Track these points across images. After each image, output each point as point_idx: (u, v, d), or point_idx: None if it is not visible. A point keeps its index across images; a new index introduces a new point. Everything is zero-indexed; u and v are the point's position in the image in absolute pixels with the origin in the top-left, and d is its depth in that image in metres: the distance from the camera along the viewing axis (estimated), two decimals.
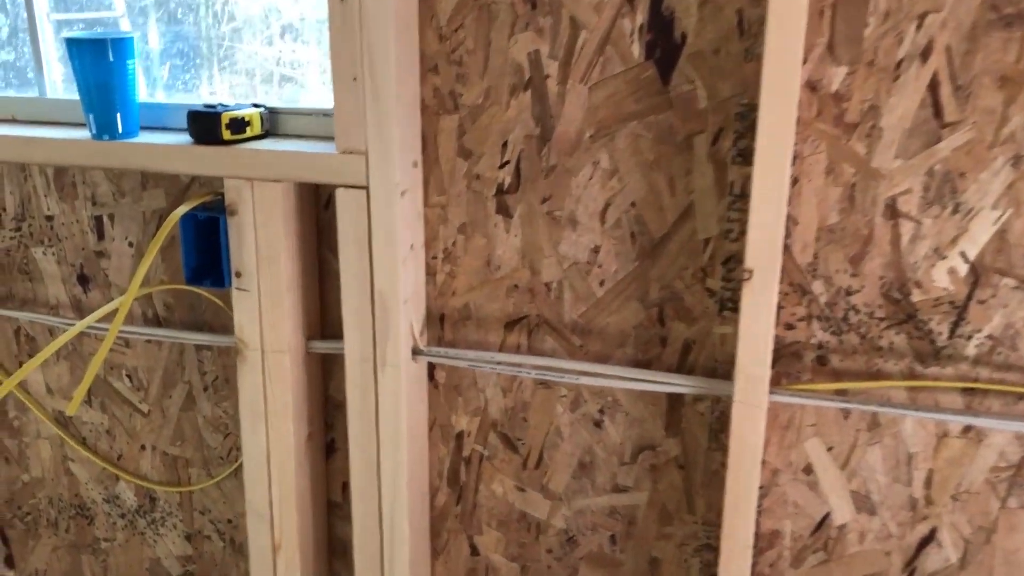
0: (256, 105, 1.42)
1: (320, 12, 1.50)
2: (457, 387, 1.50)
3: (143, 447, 1.72)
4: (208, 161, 1.37)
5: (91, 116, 1.41)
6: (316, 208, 1.47)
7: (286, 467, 1.51)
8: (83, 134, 1.46)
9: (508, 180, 1.37)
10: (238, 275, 1.42)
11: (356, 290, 1.38)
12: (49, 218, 1.62)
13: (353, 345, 1.41)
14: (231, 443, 1.67)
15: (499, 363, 1.43)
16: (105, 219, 1.59)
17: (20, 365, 1.74)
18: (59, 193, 1.60)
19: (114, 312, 1.47)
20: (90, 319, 1.43)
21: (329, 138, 1.42)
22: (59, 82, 1.68)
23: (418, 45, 1.33)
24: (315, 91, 1.53)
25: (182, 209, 1.40)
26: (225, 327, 1.58)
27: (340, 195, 1.34)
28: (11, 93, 1.61)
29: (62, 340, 1.41)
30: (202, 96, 1.56)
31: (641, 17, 1.25)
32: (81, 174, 1.58)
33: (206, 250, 1.46)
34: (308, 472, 1.55)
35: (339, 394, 1.57)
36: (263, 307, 1.43)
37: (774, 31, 1.11)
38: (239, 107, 1.39)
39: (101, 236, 1.60)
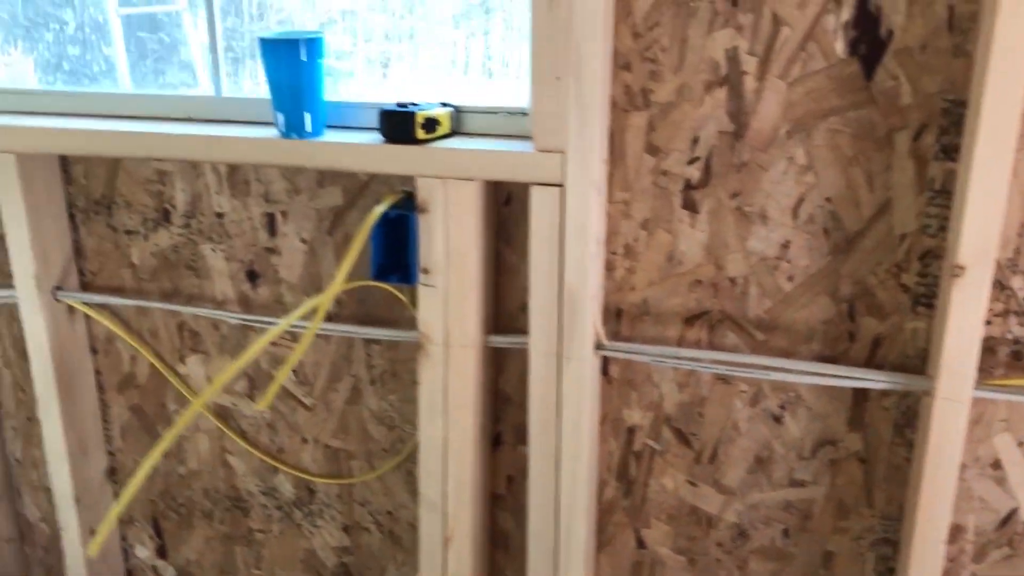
0: (445, 104, 1.43)
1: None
2: (631, 381, 1.51)
3: (305, 440, 1.75)
4: (402, 160, 1.39)
5: (280, 115, 1.43)
6: (497, 204, 1.49)
7: (463, 460, 1.53)
8: (267, 132, 1.49)
9: (697, 176, 1.38)
10: (425, 271, 1.44)
11: (544, 286, 1.40)
12: (220, 215, 1.65)
13: (538, 340, 1.43)
14: (395, 436, 1.69)
15: (681, 358, 1.44)
16: (278, 216, 1.62)
17: (181, 359, 1.78)
18: (231, 190, 1.63)
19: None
20: (291, 318, 1.45)
21: (513, 136, 1.44)
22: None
23: (612, 43, 1.34)
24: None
25: (382, 207, 1.42)
26: (395, 321, 1.61)
27: (535, 193, 1.36)
28: (183, 91, 1.65)
29: (263, 342, 1.43)
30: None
31: (846, 13, 1.25)
32: (255, 172, 1.60)
33: (391, 247, 1.48)
34: (481, 465, 1.57)
35: (508, 387, 1.59)
36: (449, 303, 1.45)
37: (1003, 27, 1.11)
38: (429, 106, 1.41)
39: (273, 233, 1.63)
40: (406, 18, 1.64)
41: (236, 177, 1.62)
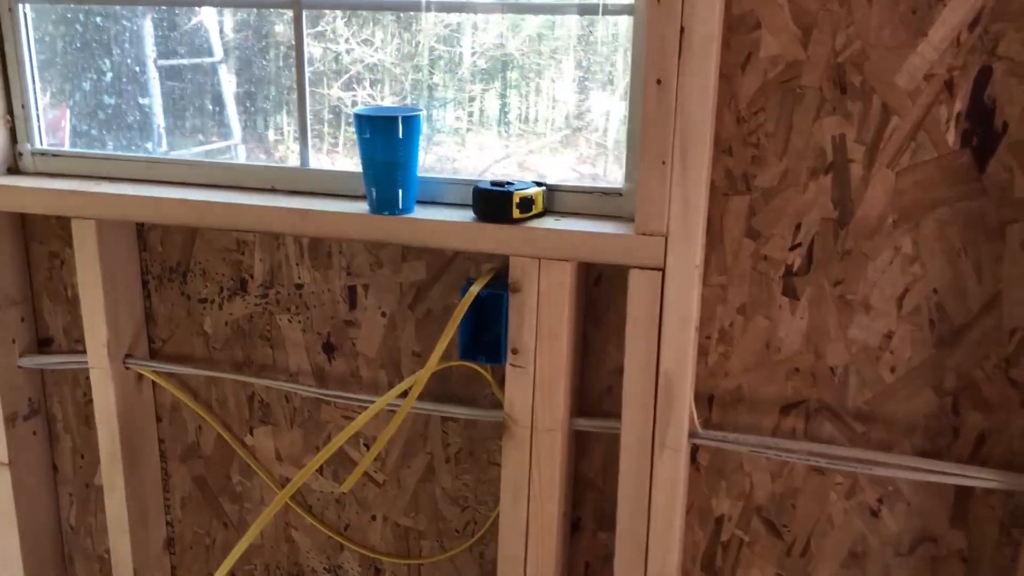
0: (538, 183, 1.42)
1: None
2: (721, 470, 1.47)
3: (373, 517, 1.71)
4: (498, 240, 1.37)
5: (373, 190, 1.42)
6: (587, 284, 1.46)
7: (545, 546, 1.48)
8: (355, 207, 1.47)
9: (798, 262, 1.35)
10: (514, 352, 1.41)
11: (640, 371, 1.37)
12: (299, 286, 1.63)
13: (631, 426, 1.39)
14: (468, 516, 1.64)
15: (779, 449, 1.39)
16: (359, 289, 1.59)
17: (250, 431, 1.74)
18: (312, 262, 1.61)
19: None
20: (388, 396, 1.43)
21: (605, 216, 1.42)
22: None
23: (714, 128, 1.32)
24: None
25: (477, 287, 1.39)
26: (473, 399, 1.57)
27: (634, 276, 1.33)
28: (261, 161, 1.64)
29: (358, 424, 1.40)
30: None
31: (959, 105, 1.23)
32: (338, 244, 1.59)
33: (478, 325, 1.45)
34: (562, 551, 1.52)
35: (590, 471, 1.55)
36: (537, 384, 1.42)
37: None
38: (524, 185, 1.39)
39: (353, 306, 1.61)
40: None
41: (318, 249, 1.60)
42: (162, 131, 1.77)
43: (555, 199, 1.45)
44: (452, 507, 1.65)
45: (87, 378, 1.82)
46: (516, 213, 1.37)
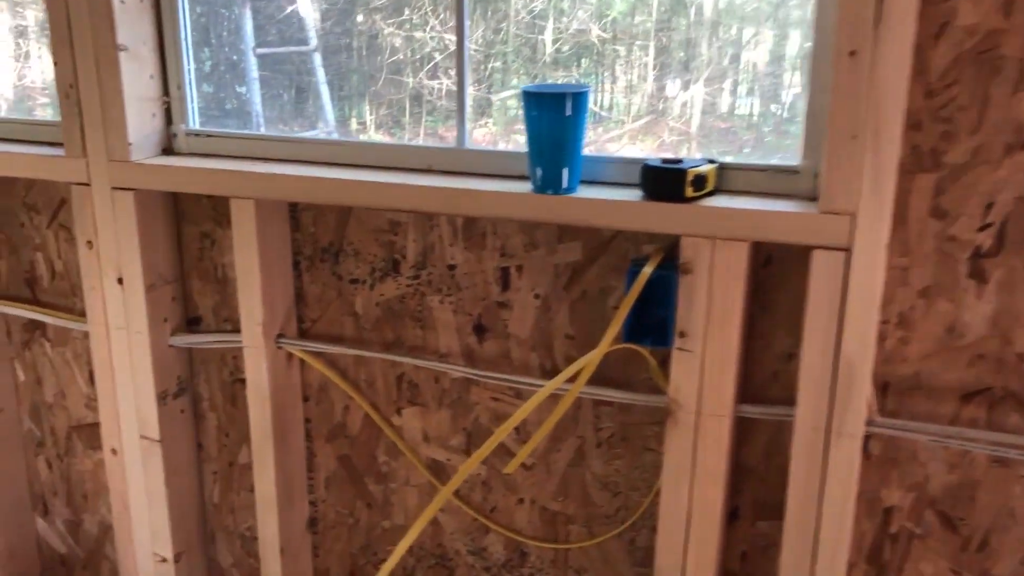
0: (711, 160, 1.38)
1: None
2: (893, 459, 1.41)
3: (521, 500, 1.69)
4: (670, 219, 1.33)
5: (539, 169, 1.40)
6: (757, 266, 1.42)
7: (706, 533, 1.45)
8: (517, 187, 1.45)
9: (988, 243, 1.28)
10: (682, 335, 1.38)
11: (818, 356, 1.32)
12: (451, 267, 1.62)
13: (806, 413, 1.35)
14: (619, 503, 1.62)
15: (961, 439, 1.33)
16: (512, 270, 1.58)
17: (398, 412, 1.74)
18: (466, 243, 1.60)
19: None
20: (558, 380, 1.41)
21: (777, 195, 1.37)
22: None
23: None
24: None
25: (650, 268, 1.36)
26: (628, 383, 1.54)
27: (817, 257, 1.28)
28: (423, 142, 1.63)
29: (531, 405, 1.39)
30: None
31: None
32: (492, 225, 1.57)
33: (643, 308, 1.42)
34: (721, 539, 1.48)
35: (752, 459, 1.51)
36: (705, 369, 1.38)
37: None
38: (695, 162, 1.35)
39: (505, 287, 1.59)
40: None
41: (472, 229, 1.59)
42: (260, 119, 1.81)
43: (725, 178, 1.41)
44: (602, 492, 1.63)
45: (234, 357, 1.85)
46: (689, 191, 1.33)
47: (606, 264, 1.51)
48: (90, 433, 2.05)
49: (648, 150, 1.58)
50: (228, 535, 2.00)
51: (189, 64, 1.72)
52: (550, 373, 1.60)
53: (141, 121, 1.68)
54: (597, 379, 1.56)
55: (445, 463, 1.74)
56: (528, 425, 1.64)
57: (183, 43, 1.70)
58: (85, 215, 1.74)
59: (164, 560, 1.91)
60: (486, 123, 1.71)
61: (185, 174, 1.63)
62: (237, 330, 1.80)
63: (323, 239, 1.71)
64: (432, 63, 1.71)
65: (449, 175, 1.55)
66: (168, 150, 1.75)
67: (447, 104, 1.72)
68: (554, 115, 1.36)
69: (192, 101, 1.74)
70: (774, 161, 1.40)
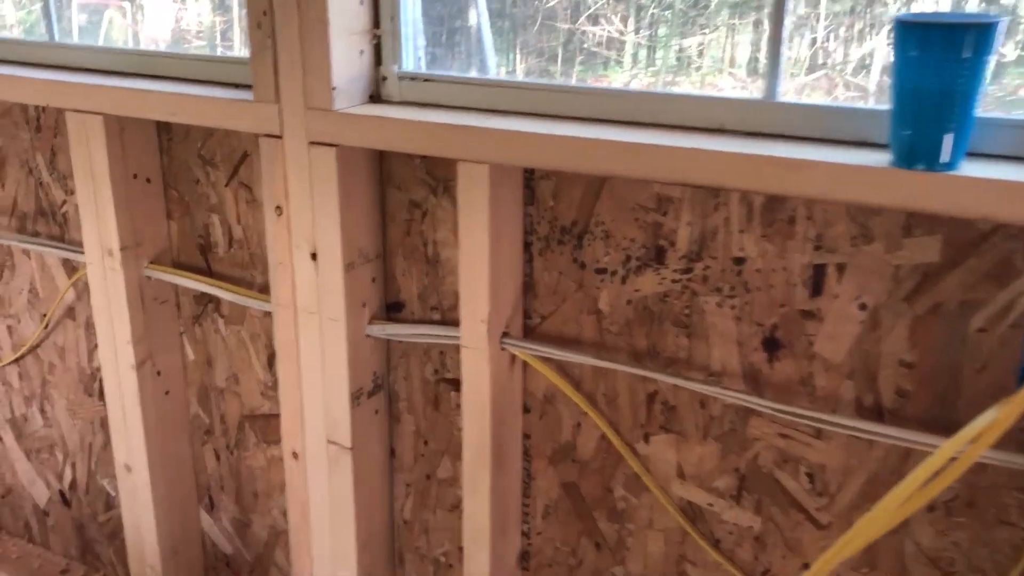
0: None
1: None
2: None
3: (806, 565, 1.30)
4: None
5: (908, 132, 0.99)
6: None
7: None
8: (861, 157, 1.04)
9: None
10: None
11: None
12: (738, 260, 1.23)
13: None
14: None
15: None
16: (830, 270, 1.17)
17: (645, 438, 1.37)
18: (764, 229, 1.20)
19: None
20: (962, 439, 0.99)
21: None
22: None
23: None
24: None
25: None
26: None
27: None
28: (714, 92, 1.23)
29: (926, 473, 0.98)
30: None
31: None
32: (806, 207, 1.16)
33: None
34: None
35: None
36: None
37: None
38: None
39: (817, 291, 1.19)
40: None
41: (775, 212, 1.19)
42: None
43: None
44: (928, 570, 1.22)
45: (441, 352, 1.52)
46: None
47: (975, 269, 1.09)
48: (265, 425, 1.78)
49: None
50: (419, 558, 1.69)
51: None
52: (870, 412, 1.20)
53: (347, 60, 1.35)
54: (931, 422, 1.14)
55: (704, 508, 1.36)
56: (826, 471, 1.25)
57: None
58: (275, 175, 1.43)
59: None
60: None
61: (404, 128, 1.29)
62: (447, 321, 1.48)
63: (565, 216, 1.34)
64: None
65: (748, 137, 1.15)
66: (375, 97, 1.42)
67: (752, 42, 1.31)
68: (944, 57, 0.95)
69: (408, 36, 1.39)
70: None
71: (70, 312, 1.95)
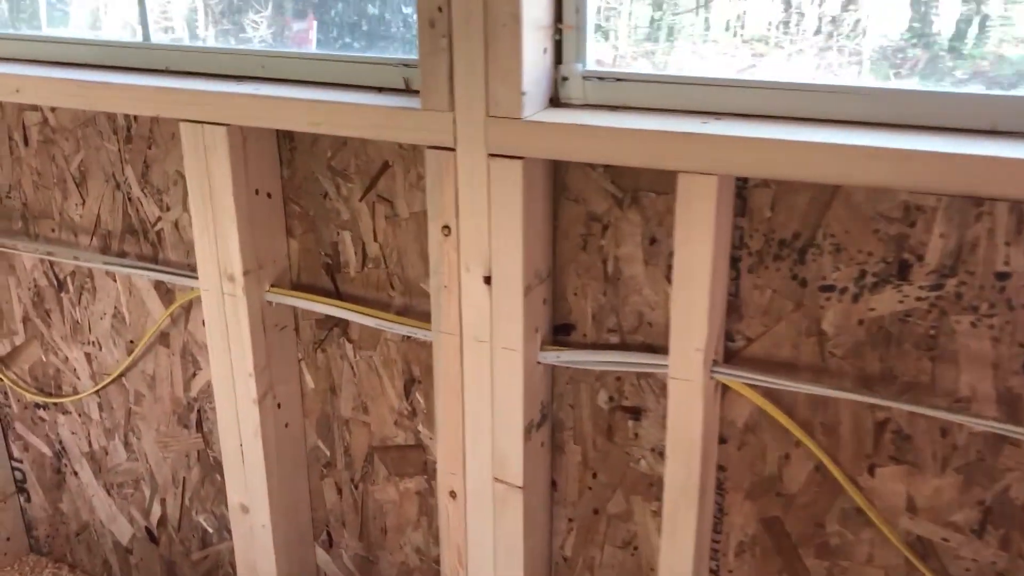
0: None
1: None
2: None
3: None
4: None
5: None
6: None
7: None
8: None
9: None
10: None
11: None
12: (1001, 276, 1.10)
13: None
14: None
15: None
16: None
17: (870, 470, 1.25)
18: None
19: None
20: None
21: None
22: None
23: None
24: None
25: None
26: None
27: None
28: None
29: None
30: None
31: None
32: None
33: None
34: None
35: None
36: None
37: None
38: None
39: None
40: None
41: None
42: None
43: None
44: None
45: (617, 378, 1.38)
46: None
47: None
48: (399, 457, 1.63)
49: None
50: None
51: None
52: None
53: (533, 61, 1.20)
54: None
55: (937, 543, 1.24)
56: None
57: None
58: (443, 191, 1.28)
59: None
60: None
61: (610, 137, 1.14)
62: (628, 345, 1.34)
63: (784, 228, 1.20)
64: None
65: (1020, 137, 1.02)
66: (554, 100, 1.27)
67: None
68: None
69: (588, 28, 1.24)
70: None
71: (163, 338, 1.78)
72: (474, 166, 1.24)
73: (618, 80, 1.23)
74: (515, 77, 1.17)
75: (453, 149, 1.25)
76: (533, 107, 1.21)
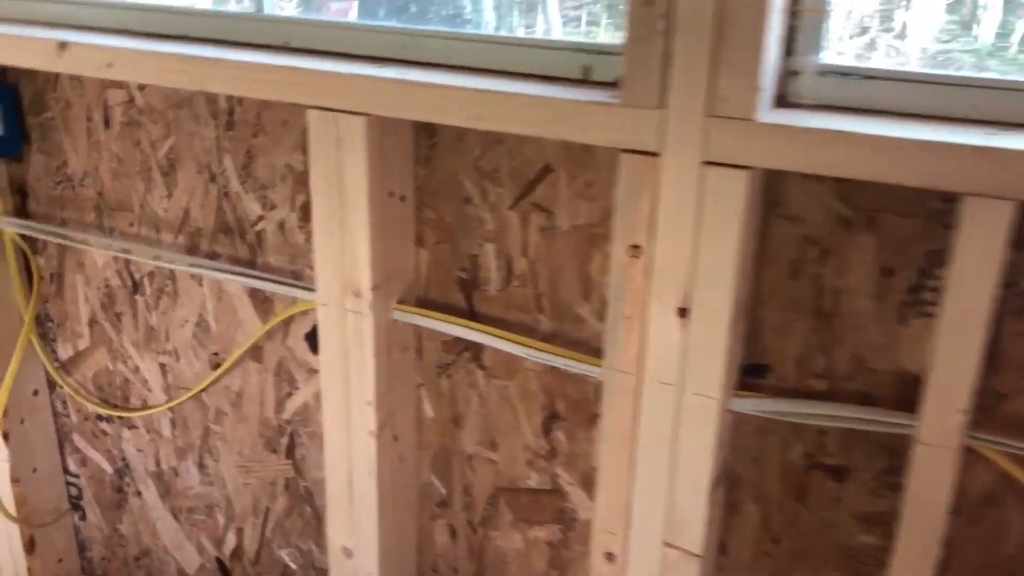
0: None
1: None
2: None
3: None
4: None
5: None
6: None
7: None
8: None
9: None
10: None
11: None
12: None
13: None
14: None
15: None
16: None
17: None
18: None
19: None
20: None
21: None
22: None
23: None
24: None
25: None
26: None
27: None
28: None
29: None
30: None
31: None
32: None
33: None
34: None
35: None
36: None
37: None
38: None
39: None
40: None
41: None
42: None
43: None
44: None
45: (820, 432, 1.16)
46: None
47: None
48: (531, 502, 1.42)
49: None
50: None
51: None
52: None
53: (771, 49, 0.98)
54: None
55: None
56: None
57: None
58: (637, 204, 1.06)
59: None
60: None
61: (882, 150, 0.92)
62: (838, 393, 1.12)
63: None
64: None
65: None
66: (782, 99, 1.05)
67: None
68: None
69: (832, 14, 1.02)
70: None
71: (255, 352, 1.57)
72: (682, 175, 1.02)
73: (867, 77, 1.01)
74: (752, 69, 0.95)
75: (657, 154, 1.03)
76: (765, 107, 0.99)
